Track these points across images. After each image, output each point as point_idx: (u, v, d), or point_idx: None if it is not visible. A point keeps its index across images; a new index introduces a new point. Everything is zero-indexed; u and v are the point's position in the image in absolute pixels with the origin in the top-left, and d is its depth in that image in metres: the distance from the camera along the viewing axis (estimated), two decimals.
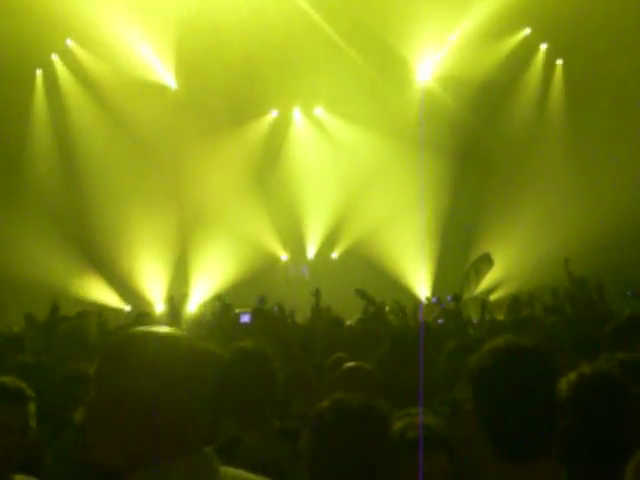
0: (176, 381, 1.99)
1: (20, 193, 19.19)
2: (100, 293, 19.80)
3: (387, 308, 12.83)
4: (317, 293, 9.99)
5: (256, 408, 3.66)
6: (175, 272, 20.06)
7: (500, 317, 11.11)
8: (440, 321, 11.95)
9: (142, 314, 8.81)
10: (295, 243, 22.19)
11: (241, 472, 2.16)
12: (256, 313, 4.47)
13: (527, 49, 20.32)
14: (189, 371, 2.03)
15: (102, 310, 11.72)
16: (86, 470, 3.34)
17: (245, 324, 9.51)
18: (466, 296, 16.50)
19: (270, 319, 4.46)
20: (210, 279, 20.08)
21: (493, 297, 17.87)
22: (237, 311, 11.06)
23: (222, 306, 10.58)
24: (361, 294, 9.69)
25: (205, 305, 18.58)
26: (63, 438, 4.05)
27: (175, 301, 9.33)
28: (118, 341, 2.06)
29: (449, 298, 13.56)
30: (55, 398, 4.21)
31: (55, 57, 20.01)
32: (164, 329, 2.09)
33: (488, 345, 2.45)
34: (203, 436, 2.05)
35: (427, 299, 17.39)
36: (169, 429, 1.97)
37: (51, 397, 4.07)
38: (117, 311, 18.83)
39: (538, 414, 2.32)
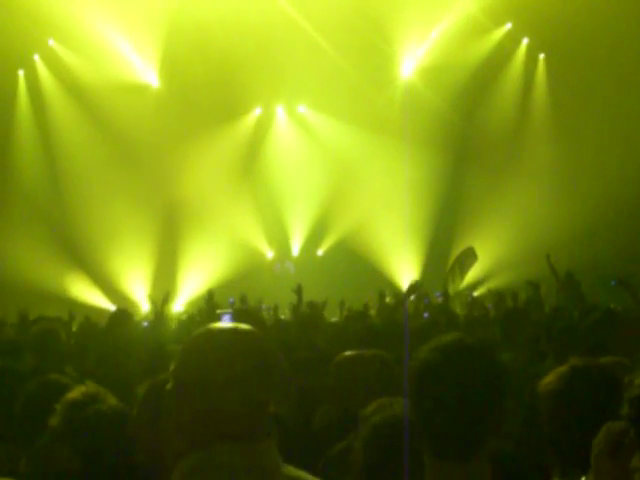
0: (247, 373, 2.14)
1: (5, 193, 19.15)
2: (86, 293, 19.77)
3: (387, 299, 12.94)
4: (299, 290, 10.02)
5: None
6: (161, 271, 20.04)
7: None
8: (425, 315, 11.99)
9: (118, 312, 8.78)
10: (280, 240, 22.20)
11: (300, 473, 2.27)
12: (236, 314, 4.50)
13: (509, 44, 20.39)
14: (257, 364, 2.17)
15: (77, 311, 11.66)
16: (58, 476, 3.37)
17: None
18: (451, 291, 16.56)
19: (250, 320, 4.47)
20: (196, 277, 20.08)
21: (477, 292, 17.97)
22: (218, 311, 11.07)
23: (209, 305, 10.63)
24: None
25: (192, 304, 18.58)
26: (38, 443, 4.07)
27: (156, 300, 9.30)
28: (197, 336, 2.24)
29: (438, 294, 13.59)
30: (31, 403, 4.22)
31: (37, 57, 19.96)
32: (238, 325, 2.26)
33: (432, 342, 2.40)
34: (264, 427, 2.18)
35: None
36: (237, 417, 2.12)
37: (27, 401, 4.08)
38: (103, 311, 18.82)
39: (470, 415, 2.27)
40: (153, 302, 9.21)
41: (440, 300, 13.15)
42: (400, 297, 12.64)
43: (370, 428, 2.82)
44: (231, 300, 13.04)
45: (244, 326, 2.26)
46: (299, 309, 9.71)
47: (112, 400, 3.45)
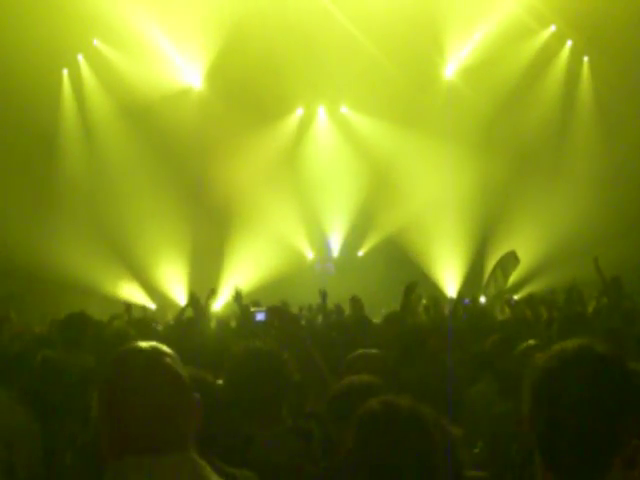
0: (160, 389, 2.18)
1: (51, 193, 19.36)
2: (128, 290, 19.97)
3: (424, 301, 12.91)
4: (324, 294, 10.06)
5: (269, 407, 3.71)
6: (200, 272, 20.12)
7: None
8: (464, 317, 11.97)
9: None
10: (321, 241, 22.23)
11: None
12: (270, 311, 4.50)
13: (553, 46, 20.24)
14: (170, 381, 2.22)
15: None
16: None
17: (260, 322, 9.51)
18: (493, 294, 16.44)
19: (285, 318, 4.49)
20: (237, 278, 20.14)
21: (519, 295, 17.82)
22: (252, 309, 11.12)
23: (238, 303, 10.65)
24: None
25: (229, 305, 18.67)
26: (84, 435, 4.11)
27: (198, 299, 9.28)
28: (118, 353, 2.29)
29: (466, 301, 13.49)
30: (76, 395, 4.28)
31: (80, 57, 20.17)
32: (155, 345, 2.29)
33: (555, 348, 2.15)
34: (182, 438, 2.17)
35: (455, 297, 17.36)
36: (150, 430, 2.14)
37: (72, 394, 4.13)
38: (143, 308, 18.98)
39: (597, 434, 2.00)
40: (194, 298, 9.18)
41: (469, 306, 13.08)
42: (437, 300, 12.64)
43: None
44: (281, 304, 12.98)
45: (161, 346, 2.28)
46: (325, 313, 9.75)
47: None
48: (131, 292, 19.91)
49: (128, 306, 10.89)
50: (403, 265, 20.17)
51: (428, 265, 20.81)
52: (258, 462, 3.24)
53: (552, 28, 19.94)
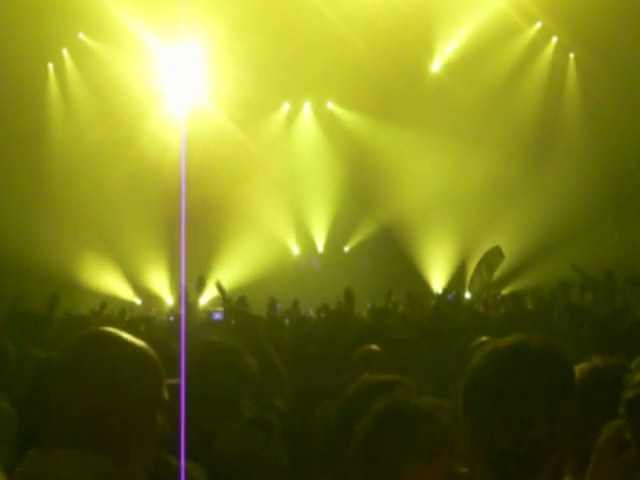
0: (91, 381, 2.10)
1: (37, 188, 19.28)
2: (114, 285, 19.95)
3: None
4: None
5: (228, 400, 3.72)
6: (188, 267, 20.03)
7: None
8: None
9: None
10: (307, 236, 22.22)
11: None
12: (227, 311, 4.60)
13: (539, 42, 20.30)
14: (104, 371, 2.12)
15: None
16: None
17: (217, 321, 9.56)
18: (477, 289, 16.50)
19: (241, 316, 4.58)
20: (223, 274, 20.10)
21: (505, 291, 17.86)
22: (210, 309, 11.19)
23: (224, 299, 10.67)
24: None
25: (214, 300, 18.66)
26: None
27: (188, 292, 9.23)
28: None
29: (450, 297, 13.54)
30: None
31: (65, 51, 20.11)
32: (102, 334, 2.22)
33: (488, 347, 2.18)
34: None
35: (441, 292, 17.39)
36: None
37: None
38: (130, 304, 18.96)
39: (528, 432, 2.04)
40: (177, 294, 9.15)
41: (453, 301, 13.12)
42: (419, 297, 12.71)
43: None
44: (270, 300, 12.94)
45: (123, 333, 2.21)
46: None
47: None
48: (117, 287, 19.90)
49: (103, 304, 10.92)
50: (389, 261, 20.19)
51: (414, 260, 20.83)
52: (221, 454, 3.25)
53: (538, 25, 19.98)
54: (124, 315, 11.80)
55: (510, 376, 2.06)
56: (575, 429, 2.14)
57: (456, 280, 19.56)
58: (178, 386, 3.20)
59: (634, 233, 17.50)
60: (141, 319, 10.63)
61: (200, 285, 10.28)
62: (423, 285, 20.02)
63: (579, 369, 2.73)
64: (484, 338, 5.42)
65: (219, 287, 10.91)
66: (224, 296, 10.92)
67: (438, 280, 20.59)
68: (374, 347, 4.99)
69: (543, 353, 2.11)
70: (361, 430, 2.50)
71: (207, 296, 14.52)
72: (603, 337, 5.77)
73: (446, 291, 14.91)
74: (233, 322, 4.87)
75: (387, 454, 2.42)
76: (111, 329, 2.22)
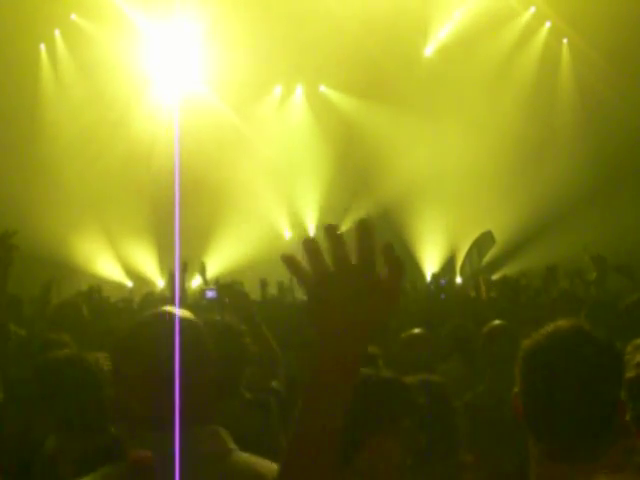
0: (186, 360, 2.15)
1: (31, 167, 19.19)
2: (106, 268, 19.95)
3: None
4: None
5: (228, 381, 3.75)
6: (179, 250, 20.04)
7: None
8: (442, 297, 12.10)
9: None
10: (298, 219, 22.20)
11: (250, 457, 2.26)
12: (221, 289, 4.59)
13: (532, 27, 20.30)
14: (195, 351, 2.22)
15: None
16: None
17: (211, 299, 9.58)
18: (468, 273, 16.57)
19: (235, 295, 4.60)
20: (215, 257, 20.11)
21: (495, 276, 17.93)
22: (203, 287, 11.19)
23: (204, 281, 10.73)
24: None
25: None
26: None
27: (172, 276, 9.25)
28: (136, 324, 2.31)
29: (443, 282, 13.60)
30: None
31: (57, 33, 19.99)
32: (180, 313, 2.27)
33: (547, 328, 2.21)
34: (204, 412, 2.22)
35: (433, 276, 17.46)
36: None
37: None
38: (120, 286, 18.97)
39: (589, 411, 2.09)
40: (171, 275, 9.13)
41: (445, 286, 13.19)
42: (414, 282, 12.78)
43: None
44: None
45: (185, 313, 2.27)
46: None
47: None
48: (108, 269, 19.90)
49: (91, 288, 10.88)
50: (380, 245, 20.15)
51: (407, 244, 20.84)
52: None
53: (532, 9, 19.99)
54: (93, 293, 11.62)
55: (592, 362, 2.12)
56: None
57: (448, 265, 19.63)
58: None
59: (624, 219, 17.59)
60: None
61: (184, 270, 10.32)
62: (416, 269, 20.07)
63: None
64: (497, 322, 5.51)
65: (201, 270, 10.97)
66: (204, 279, 10.97)
67: (430, 264, 20.64)
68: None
69: (603, 338, 2.18)
70: None
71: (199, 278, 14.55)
72: (600, 323, 5.82)
73: (436, 276, 14.99)
74: (227, 300, 4.87)
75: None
76: (173, 309, 2.28)
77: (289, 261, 1.61)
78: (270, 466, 2.16)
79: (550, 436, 2.11)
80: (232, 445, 2.23)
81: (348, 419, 1.50)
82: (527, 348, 2.19)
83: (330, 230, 1.64)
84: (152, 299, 9.37)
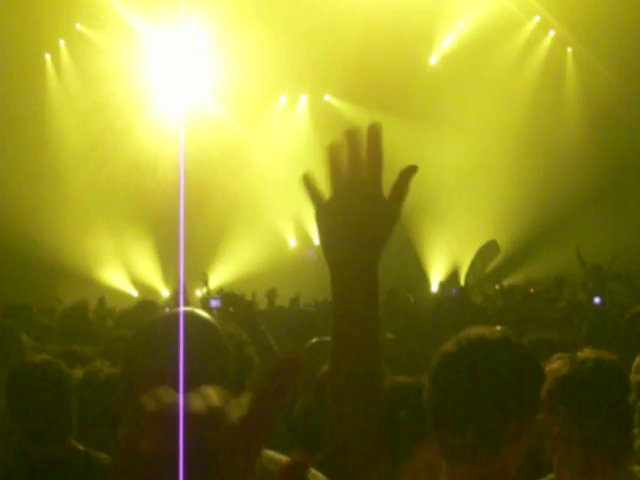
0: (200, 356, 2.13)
1: (37, 176, 19.20)
2: (112, 277, 19.97)
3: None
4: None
5: (231, 389, 3.71)
6: (185, 261, 20.07)
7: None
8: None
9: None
10: (303, 229, 22.15)
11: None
12: (225, 298, 4.63)
13: (538, 36, 20.32)
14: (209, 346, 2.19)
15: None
16: None
17: (215, 309, 9.58)
18: (472, 282, 16.54)
19: (239, 304, 4.59)
20: (221, 267, 20.08)
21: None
22: (207, 297, 11.23)
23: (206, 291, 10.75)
24: None
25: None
26: None
27: (177, 293, 9.30)
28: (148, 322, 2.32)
29: (454, 290, 13.61)
30: None
31: (62, 42, 20.04)
32: (193, 311, 2.29)
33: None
34: None
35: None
36: None
37: None
38: (125, 295, 18.96)
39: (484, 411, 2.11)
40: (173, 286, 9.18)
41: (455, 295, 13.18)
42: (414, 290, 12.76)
43: None
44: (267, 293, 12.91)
45: (199, 312, 2.29)
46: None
47: None
48: (114, 278, 19.92)
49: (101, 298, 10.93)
50: (388, 252, 20.11)
51: (413, 253, 20.80)
52: None
53: (536, 19, 20.01)
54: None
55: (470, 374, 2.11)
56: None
57: (454, 274, 19.60)
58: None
59: (629, 226, 17.56)
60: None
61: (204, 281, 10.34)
62: (422, 278, 20.05)
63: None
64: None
65: (204, 281, 10.98)
66: (208, 289, 11.00)
67: (437, 273, 20.62)
68: None
69: (504, 345, 2.16)
70: None
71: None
72: (600, 333, 5.79)
73: (444, 286, 14.96)
74: (231, 309, 4.87)
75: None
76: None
77: (307, 180, 1.78)
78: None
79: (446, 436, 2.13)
80: None
81: None
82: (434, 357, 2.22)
83: (350, 135, 1.76)
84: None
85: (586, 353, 2.92)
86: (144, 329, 2.25)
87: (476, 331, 2.20)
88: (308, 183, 1.77)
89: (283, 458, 2.20)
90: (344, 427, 1.72)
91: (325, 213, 1.74)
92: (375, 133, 1.73)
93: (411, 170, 1.78)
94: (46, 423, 3.40)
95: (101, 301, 10.86)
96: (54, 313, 7.98)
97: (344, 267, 1.70)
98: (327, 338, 4.66)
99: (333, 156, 1.75)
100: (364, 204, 1.71)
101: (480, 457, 2.06)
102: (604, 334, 5.49)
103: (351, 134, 1.75)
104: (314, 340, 4.72)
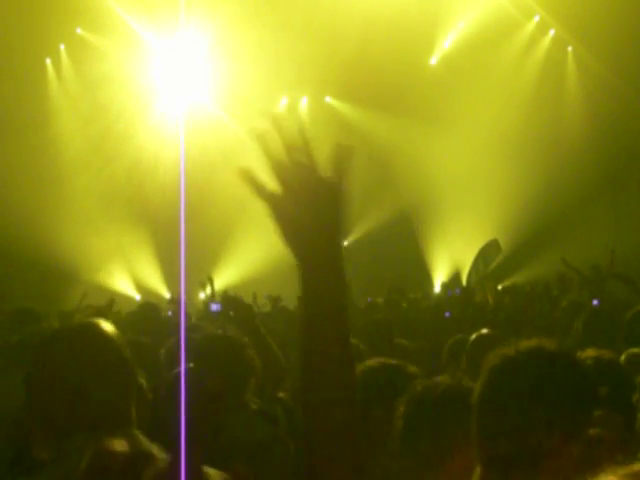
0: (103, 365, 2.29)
1: (38, 180, 19.22)
2: (113, 280, 19.98)
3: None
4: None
5: (233, 393, 3.75)
6: (188, 265, 20.02)
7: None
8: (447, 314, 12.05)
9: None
10: None
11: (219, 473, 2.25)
12: (225, 302, 4.66)
13: (536, 36, 20.33)
14: (111, 357, 2.31)
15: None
16: None
17: (215, 313, 9.61)
18: (474, 282, 16.52)
19: (239, 307, 4.62)
20: (222, 272, 20.08)
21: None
22: (208, 300, 11.25)
23: (211, 295, 10.76)
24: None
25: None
26: None
27: (177, 300, 9.33)
28: (54, 333, 2.48)
29: (457, 290, 13.61)
30: None
31: (62, 47, 20.08)
32: (95, 322, 2.39)
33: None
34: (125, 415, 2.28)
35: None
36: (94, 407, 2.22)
37: None
38: (128, 299, 18.96)
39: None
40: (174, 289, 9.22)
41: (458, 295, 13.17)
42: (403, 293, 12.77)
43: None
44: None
45: (101, 322, 2.36)
46: None
47: None
48: (115, 281, 19.93)
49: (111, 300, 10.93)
50: (387, 257, 20.16)
51: (414, 256, 20.81)
52: (230, 445, 3.28)
53: (536, 18, 20.02)
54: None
55: (528, 381, 2.10)
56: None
57: (456, 274, 19.61)
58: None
59: (629, 225, 17.58)
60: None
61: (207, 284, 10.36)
62: (423, 280, 20.05)
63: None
64: (484, 330, 5.46)
65: (210, 283, 10.97)
66: (212, 292, 11.00)
67: (439, 274, 20.63)
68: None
69: (560, 359, 2.17)
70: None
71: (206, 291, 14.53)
72: (597, 332, 5.80)
73: (446, 286, 14.95)
74: (232, 313, 4.90)
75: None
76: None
77: (246, 176, 1.81)
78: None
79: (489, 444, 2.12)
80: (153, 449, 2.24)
81: None
82: (487, 363, 2.21)
83: (275, 119, 1.81)
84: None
85: (587, 353, 2.93)
86: (48, 341, 2.34)
87: (535, 340, 2.21)
88: (248, 178, 1.81)
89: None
90: (319, 417, 1.71)
91: (281, 207, 1.79)
92: (283, 119, 1.79)
93: (344, 149, 1.81)
94: None
95: (109, 304, 10.85)
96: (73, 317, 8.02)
97: (310, 255, 1.75)
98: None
99: (264, 145, 1.80)
100: (312, 190, 1.75)
101: (518, 467, 2.05)
102: (601, 334, 5.51)
103: (276, 119, 1.82)
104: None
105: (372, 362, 3.31)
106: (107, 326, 2.35)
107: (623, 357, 3.84)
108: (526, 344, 2.19)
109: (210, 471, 2.12)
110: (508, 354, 2.17)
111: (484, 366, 2.20)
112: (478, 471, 2.13)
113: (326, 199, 1.76)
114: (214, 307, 10.10)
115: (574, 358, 2.22)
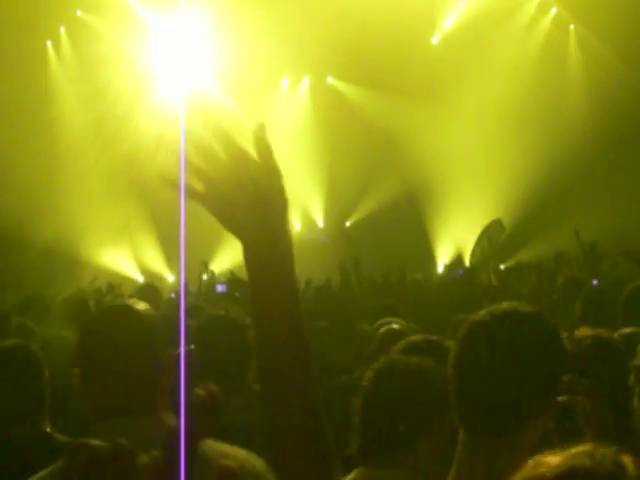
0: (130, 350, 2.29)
1: (39, 163, 19.21)
2: (116, 263, 20.01)
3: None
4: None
5: (235, 374, 3.75)
6: (189, 247, 20.00)
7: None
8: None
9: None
10: (307, 212, 22.14)
11: (219, 445, 2.26)
12: (230, 283, 4.66)
13: (538, 15, 20.27)
14: (139, 341, 2.32)
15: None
16: None
17: (220, 294, 9.64)
18: (478, 263, 16.52)
19: (244, 289, 4.62)
20: (225, 254, 20.08)
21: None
22: (213, 282, 11.28)
23: (208, 279, 10.78)
24: None
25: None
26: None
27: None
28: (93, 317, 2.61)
29: (460, 272, 13.62)
30: None
31: (62, 29, 20.03)
32: (129, 305, 2.41)
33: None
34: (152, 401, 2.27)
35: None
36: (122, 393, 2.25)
37: None
38: (131, 281, 18.98)
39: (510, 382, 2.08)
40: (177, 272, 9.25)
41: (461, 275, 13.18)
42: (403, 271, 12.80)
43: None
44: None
45: (136, 306, 2.38)
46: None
47: None
48: (118, 264, 19.96)
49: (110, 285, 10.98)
50: (392, 236, 20.15)
51: (417, 236, 20.79)
52: (231, 426, 3.28)
53: None
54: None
55: (501, 344, 2.09)
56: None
57: (458, 256, 19.59)
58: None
59: (632, 204, 17.56)
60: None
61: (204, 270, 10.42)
62: (427, 260, 20.03)
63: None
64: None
65: (205, 268, 11.00)
66: (209, 276, 11.01)
67: (442, 255, 20.61)
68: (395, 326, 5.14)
69: (531, 318, 2.15)
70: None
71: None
72: (595, 310, 5.78)
73: (449, 268, 14.93)
74: (237, 294, 4.92)
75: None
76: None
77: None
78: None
79: (465, 420, 2.14)
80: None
81: None
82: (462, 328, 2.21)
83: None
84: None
85: (583, 331, 2.93)
86: (94, 321, 2.37)
87: (509, 303, 2.20)
88: (168, 180, 1.76)
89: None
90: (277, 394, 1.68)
91: (211, 202, 1.75)
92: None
93: (259, 128, 1.76)
94: (9, 403, 3.44)
95: (110, 286, 10.91)
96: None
97: (255, 237, 1.77)
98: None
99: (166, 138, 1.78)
100: (242, 175, 1.72)
101: (504, 430, 2.04)
102: (599, 313, 5.49)
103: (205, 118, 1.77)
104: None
105: (415, 338, 3.32)
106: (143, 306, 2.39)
107: (615, 336, 3.83)
108: (499, 307, 2.19)
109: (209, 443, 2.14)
110: (481, 318, 2.16)
111: (460, 330, 2.19)
112: (462, 437, 2.13)
113: (264, 180, 1.74)
114: (219, 288, 10.14)
115: (545, 317, 2.20)
